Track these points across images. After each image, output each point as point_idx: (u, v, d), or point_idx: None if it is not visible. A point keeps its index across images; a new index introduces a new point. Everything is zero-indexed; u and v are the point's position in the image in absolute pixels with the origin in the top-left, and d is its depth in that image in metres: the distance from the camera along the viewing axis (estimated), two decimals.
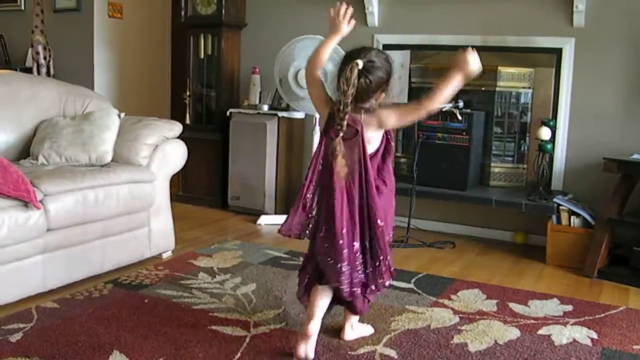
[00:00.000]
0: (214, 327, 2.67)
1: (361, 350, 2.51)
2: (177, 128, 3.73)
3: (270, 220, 4.66)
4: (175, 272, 3.38)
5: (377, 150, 2.46)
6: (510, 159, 4.44)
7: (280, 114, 4.80)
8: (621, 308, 3.12)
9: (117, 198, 3.25)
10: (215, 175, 5.17)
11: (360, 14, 4.73)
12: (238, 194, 4.97)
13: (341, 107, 2.29)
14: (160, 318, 2.75)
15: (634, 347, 2.65)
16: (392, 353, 2.50)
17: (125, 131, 3.62)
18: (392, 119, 2.43)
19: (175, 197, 4.80)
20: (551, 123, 4.05)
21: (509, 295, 3.24)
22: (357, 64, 2.31)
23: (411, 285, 3.31)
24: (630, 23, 4.02)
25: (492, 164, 4.42)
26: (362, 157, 2.38)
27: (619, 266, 3.74)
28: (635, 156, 3.80)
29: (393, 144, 2.54)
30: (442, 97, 2.38)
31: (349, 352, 2.49)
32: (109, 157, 3.51)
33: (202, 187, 5.24)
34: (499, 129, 4.41)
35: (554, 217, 3.91)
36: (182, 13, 5.20)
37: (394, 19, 4.71)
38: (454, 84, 2.36)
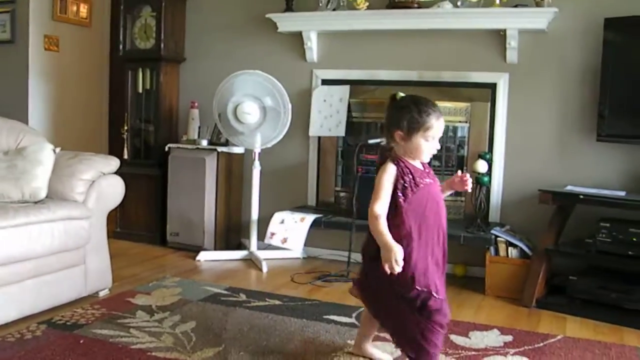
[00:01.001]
0: None
1: None
2: (114, 163, 3.66)
3: (210, 257, 4.60)
4: (112, 311, 3.29)
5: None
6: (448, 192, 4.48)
7: (220, 149, 4.77)
8: (559, 337, 3.17)
9: (51, 235, 3.16)
10: (154, 211, 5.09)
11: (299, 49, 4.78)
12: (177, 230, 4.90)
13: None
14: (96, 359, 2.66)
15: None
16: None
17: (60, 166, 3.54)
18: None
19: (112, 234, 4.72)
20: (487, 156, 4.13)
21: (449, 326, 3.24)
22: (395, 95, 2.50)
23: (352, 320, 3.30)
24: (561, 60, 4.16)
25: None
26: None
27: (556, 295, 3.80)
28: (569, 187, 3.90)
29: (402, 202, 2.45)
30: None
31: None
32: (43, 194, 3.42)
33: (141, 224, 5.15)
34: (437, 162, 4.47)
35: (492, 249, 3.96)
36: (120, 47, 5.16)
37: (333, 54, 4.76)
38: None
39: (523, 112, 4.28)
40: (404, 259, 2.32)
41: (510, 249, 3.93)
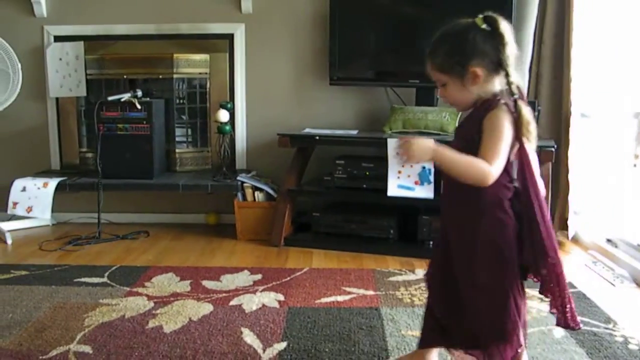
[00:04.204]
0: None
1: (53, 352, 2.40)
2: None
3: None
4: None
5: None
6: (194, 143, 4.54)
7: None
8: (305, 269, 3.40)
9: None
10: None
11: (27, 3, 4.47)
12: None
13: None
14: None
15: (316, 301, 2.91)
16: (87, 349, 2.43)
17: None
18: None
19: None
20: (229, 105, 4.22)
21: (202, 274, 3.34)
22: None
23: (104, 280, 3.25)
24: (292, 8, 4.36)
25: (177, 150, 4.46)
26: None
27: (302, 232, 4.06)
28: (307, 130, 4.12)
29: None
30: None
31: (40, 357, 2.36)
32: None
33: None
34: (181, 115, 4.48)
35: (239, 195, 4.09)
36: None
37: (64, 8, 4.51)
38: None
39: (260, 61, 4.42)
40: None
41: (256, 193, 4.08)
